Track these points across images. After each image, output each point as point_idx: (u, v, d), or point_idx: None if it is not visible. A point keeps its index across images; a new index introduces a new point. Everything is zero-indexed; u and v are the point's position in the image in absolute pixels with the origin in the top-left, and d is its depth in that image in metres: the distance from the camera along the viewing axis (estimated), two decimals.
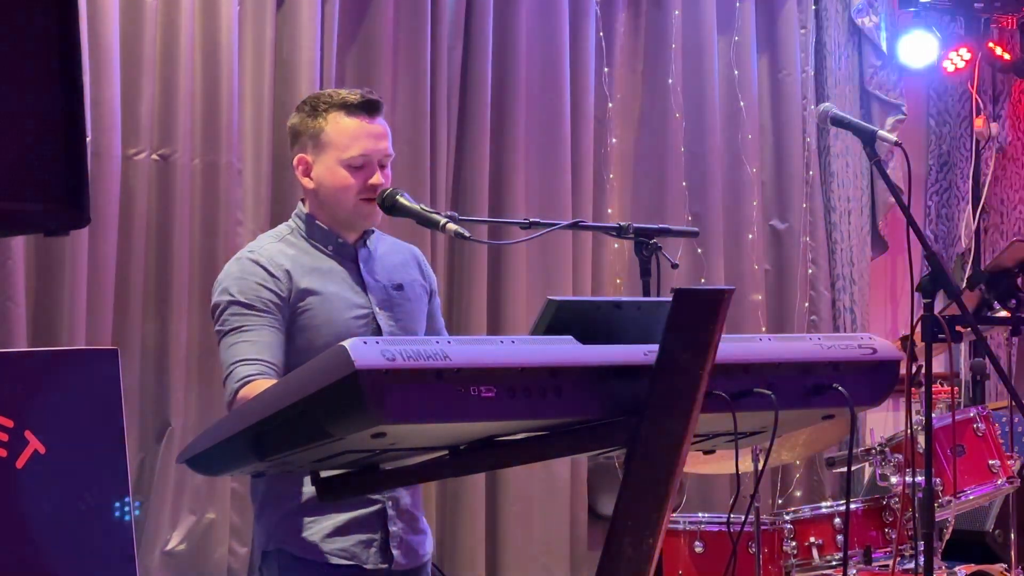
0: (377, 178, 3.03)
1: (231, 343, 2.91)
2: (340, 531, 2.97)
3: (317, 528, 2.97)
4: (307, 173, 3.07)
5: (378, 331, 3.01)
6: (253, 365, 2.87)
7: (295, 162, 3.09)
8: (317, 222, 3.08)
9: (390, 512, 3.02)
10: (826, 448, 5.24)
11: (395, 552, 3.01)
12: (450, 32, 5.47)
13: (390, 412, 1.86)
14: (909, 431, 4.00)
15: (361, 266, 3.08)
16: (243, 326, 2.91)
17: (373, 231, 3.15)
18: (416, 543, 3.08)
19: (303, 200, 3.13)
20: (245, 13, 4.99)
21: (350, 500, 2.95)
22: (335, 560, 2.97)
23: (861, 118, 6.20)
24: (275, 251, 3.03)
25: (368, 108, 3.04)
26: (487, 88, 5.51)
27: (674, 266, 3.18)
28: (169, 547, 4.79)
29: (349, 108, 3.03)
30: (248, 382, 2.85)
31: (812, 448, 5.00)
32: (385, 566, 3.00)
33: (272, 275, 2.97)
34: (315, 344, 2.92)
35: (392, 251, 3.19)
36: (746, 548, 4.45)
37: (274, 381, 2.84)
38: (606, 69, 5.91)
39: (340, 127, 3.03)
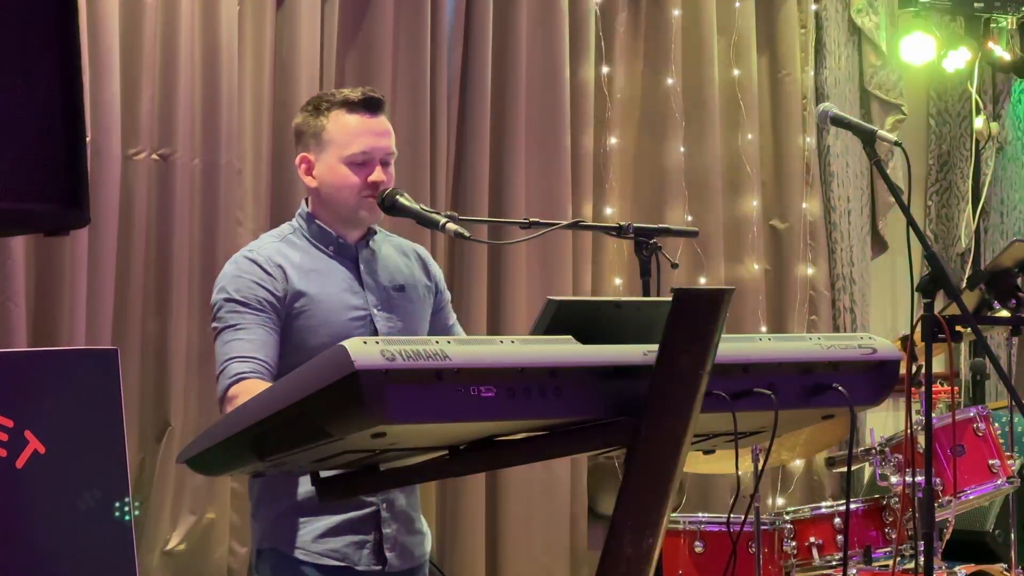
0: (378, 175, 3.03)
1: (225, 340, 2.93)
2: (332, 532, 2.98)
3: (310, 528, 2.98)
4: (309, 171, 3.08)
5: (375, 333, 3.01)
6: (246, 363, 2.88)
7: (297, 161, 3.10)
8: (319, 222, 3.08)
9: (384, 514, 3.01)
10: (826, 448, 5.24)
11: (389, 554, 3.01)
12: (450, 32, 5.47)
13: (390, 412, 1.86)
14: (909, 431, 4.00)
15: (362, 266, 3.08)
16: (238, 324, 2.93)
17: (377, 231, 3.15)
18: (412, 544, 3.08)
19: (307, 200, 3.13)
20: (245, 13, 4.99)
21: (345, 501, 2.96)
22: (326, 561, 2.97)
23: (861, 118, 6.20)
24: (273, 251, 3.04)
25: (369, 105, 3.05)
26: (487, 88, 5.50)
27: (674, 266, 3.18)
28: (169, 547, 4.79)
29: (351, 106, 3.04)
30: (239, 380, 2.86)
31: (812, 448, 5.00)
32: (379, 567, 3.00)
33: (269, 274, 2.98)
34: (310, 344, 2.93)
35: (396, 251, 3.19)
36: (746, 548, 4.45)
37: (266, 380, 2.85)
38: (606, 69, 5.91)
39: (341, 124, 3.03)
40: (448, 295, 3.27)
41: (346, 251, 3.09)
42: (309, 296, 2.99)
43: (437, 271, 3.25)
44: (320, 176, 3.06)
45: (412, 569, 3.08)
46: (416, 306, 3.13)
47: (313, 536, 2.97)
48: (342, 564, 2.98)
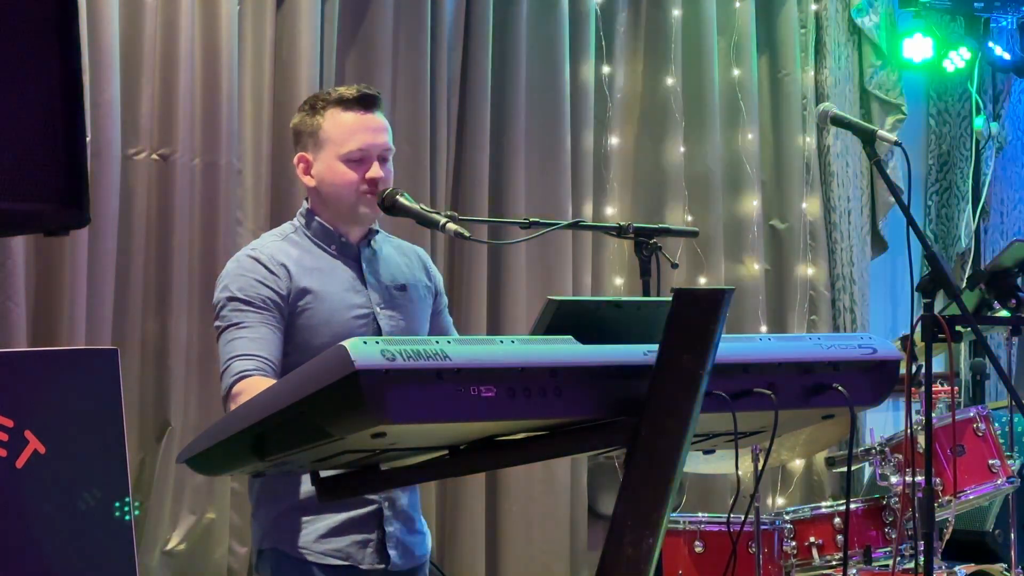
0: (376, 170, 3.03)
1: (229, 339, 2.93)
2: (335, 531, 2.98)
3: (312, 528, 2.97)
4: (307, 171, 3.08)
5: (378, 331, 3.02)
6: (250, 360, 2.88)
7: (295, 160, 3.10)
8: (321, 221, 3.09)
9: (386, 513, 3.02)
10: (826, 448, 5.24)
11: (392, 553, 3.01)
12: (450, 32, 5.47)
13: (390, 412, 1.86)
14: (909, 431, 4.00)
15: (364, 266, 3.09)
16: (241, 322, 2.93)
17: (378, 231, 3.15)
18: (413, 544, 3.08)
19: (307, 200, 3.14)
20: (245, 13, 4.99)
21: (346, 500, 2.96)
22: (330, 560, 2.97)
23: (861, 118, 6.20)
24: (276, 249, 3.04)
25: (364, 102, 3.05)
26: (487, 88, 5.50)
27: (674, 266, 3.18)
28: (169, 547, 4.79)
29: (346, 103, 3.04)
30: (243, 377, 2.86)
31: (812, 448, 5.00)
32: (382, 567, 3.01)
33: (272, 273, 2.98)
34: (314, 343, 2.93)
35: (397, 252, 3.20)
36: (746, 548, 4.45)
37: (269, 378, 2.85)
38: (606, 69, 5.91)
39: (337, 122, 3.04)
40: (446, 300, 3.28)
41: (348, 250, 3.09)
42: (313, 293, 2.99)
43: (437, 274, 3.27)
44: (318, 175, 3.07)
45: (414, 569, 3.08)
46: (417, 306, 3.14)
47: (316, 536, 2.97)
48: (346, 563, 2.98)
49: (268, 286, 2.97)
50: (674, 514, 4.65)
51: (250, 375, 2.86)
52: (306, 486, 2.94)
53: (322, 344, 2.92)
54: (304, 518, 2.98)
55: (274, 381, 2.85)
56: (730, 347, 2.13)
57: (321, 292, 3.00)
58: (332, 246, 3.08)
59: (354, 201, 3.04)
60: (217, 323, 2.98)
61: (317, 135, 3.05)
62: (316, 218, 3.09)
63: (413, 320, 3.11)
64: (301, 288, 2.99)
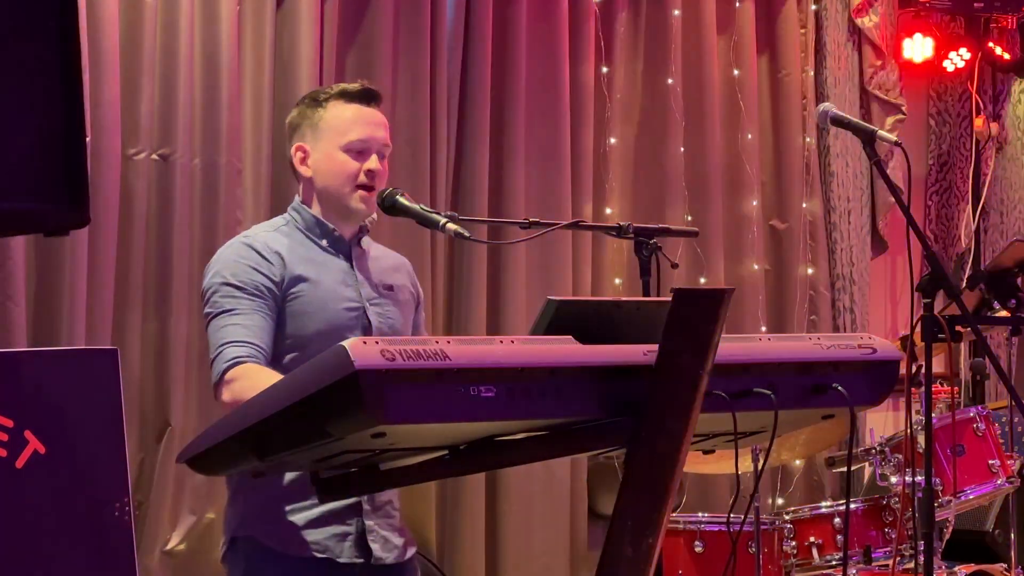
0: (374, 162, 3.03)
1: (221, 325, 2.91)
2: (314, 523, 2.95)
3: (291, 520, 2.94)
4: (304, 161, 3.08)
5: (368, 325, 3.01)
6: (242, 347, 2.86)
7: (292, 151, 3.10)
8: (313, 215, 3.08)
9: (365, 507, 2.98)
10: (826, 448, 5.24)
11: (373, 546, 2.98)
12: (450, 32, 5.47)
13: (390, 412, 1.86)
14: (909, 431, 4.00)
15: (354, 262, 3.09)
16: (234, 308, 2.91)
17: (368, 231, 3.16)
18: (395, 540, 3.04)
19: (299, 194, 3.14)
20: (245, 13, 4.99)
21: None
22: (306, 553, 2.94)
23: (861, 118, 6.20)
24: (270, 238, 3.04)
25: (367, 96, 3.07)
26: (487, 88, 5.50)
27: (674, 266, 3.18)
28: (169, 547, 4.79)
29: (348, 96, 3.07)
30: (236, 364, 2.84)
31: (812, 448, 5.00)
32: (361, 560, 2.97)
33: (266, 259, 2.98)
34: (307, 330, 2.93)
35: (384, 256, 3.21)
36: (746, 548, 4.45)
37: (262, 365, 2.85)
38: (606, 69, 5.91)
39: (338, 112, 3.06)
40: (424, 316, 3.29)
41: (340, 245, 3.09)
42: (308, 281, 2.99)
43: (420, 289, 3.29)
44: (316, 164, 3.07)
45: (398, 565, 3.04)
46: (403, 307, 3.15)
47: (295, 527, 2.94)
48: (323, 556, 2.95)
49: (262, 272, 2.96)
50: (674, 514, 4.65)
51: (243, 362, 2.85)
52: (288, 475, 2.92)
53: (315, 331, 2.92)
54: (284, 508, 2.94)
55: (267, 368, 2.84)
56: (730, 347, 2.13)
57: (315, 279, 3.00)
58: (324, 240, 3.08)
59: (349, 192, 3.04)
60: (208, 309, 2.95)
61: (317, 125, 3.06)
62: (310, 213, 3.09)
63: (399, 320, 3.11)
64: (295, 275, 2.98)
